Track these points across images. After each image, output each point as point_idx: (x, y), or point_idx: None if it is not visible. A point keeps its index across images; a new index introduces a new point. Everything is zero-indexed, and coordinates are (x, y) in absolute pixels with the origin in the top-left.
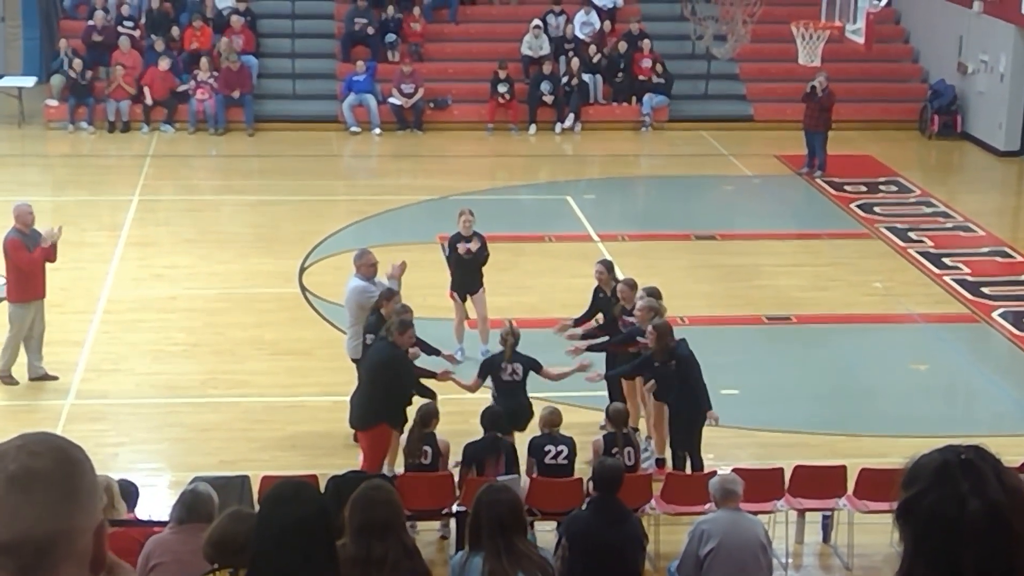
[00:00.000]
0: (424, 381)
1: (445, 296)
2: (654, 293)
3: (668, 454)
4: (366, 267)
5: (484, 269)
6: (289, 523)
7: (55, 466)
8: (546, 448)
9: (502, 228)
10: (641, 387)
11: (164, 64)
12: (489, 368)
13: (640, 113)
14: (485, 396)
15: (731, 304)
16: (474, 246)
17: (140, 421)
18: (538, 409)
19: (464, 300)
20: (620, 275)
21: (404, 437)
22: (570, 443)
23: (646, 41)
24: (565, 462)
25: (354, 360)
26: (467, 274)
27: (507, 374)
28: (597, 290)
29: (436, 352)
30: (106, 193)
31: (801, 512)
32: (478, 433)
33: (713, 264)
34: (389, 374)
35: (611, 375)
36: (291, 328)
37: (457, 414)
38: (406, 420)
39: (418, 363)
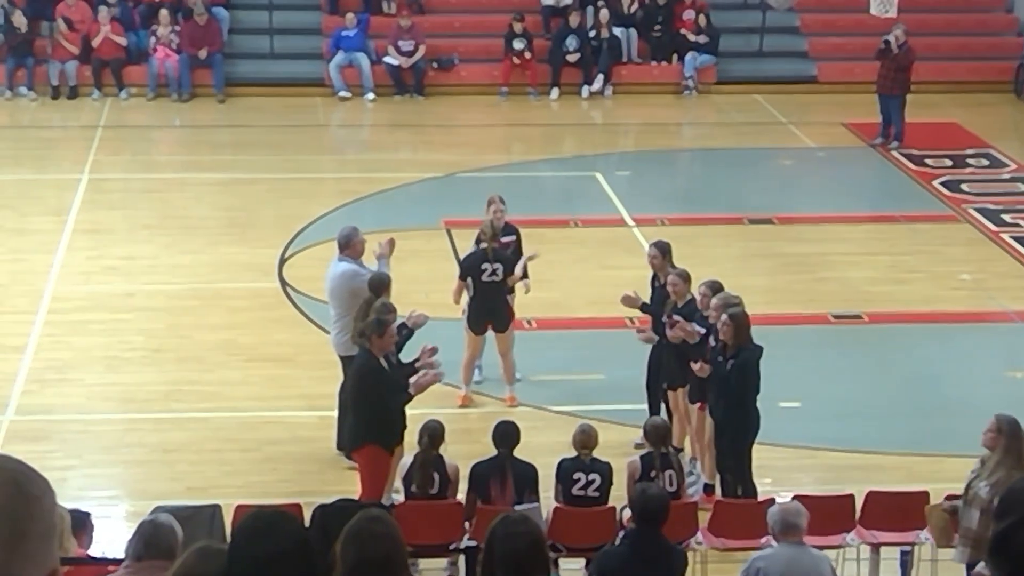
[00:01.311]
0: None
1: (451, 291)
2: (718, 288)
3: (718, 479)
4: (355, 246)
5: (509, 289)
6: (264, 561)
7: (5, 500)
8: (576, 476)
9: (519, 211)
10: (683, 398)
11: (108, 16)
12: (470, 268)
13: (682, 74)
14: (499, 411)
15: (791, 300)
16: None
17: (91, 440)
18: (567, 425)
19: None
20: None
21: (403, 462)
22: (605, 471)
23: None
24: (597, 494)
25: (343, 359)
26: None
27: (487, 275)
28: (654, 278)
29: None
30: (50, 171)
31: (875, 547)
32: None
33: (770, 253)
34: (367, 387)
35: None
36: (269, 330)
37: (463, 432)
38: (399, 440)
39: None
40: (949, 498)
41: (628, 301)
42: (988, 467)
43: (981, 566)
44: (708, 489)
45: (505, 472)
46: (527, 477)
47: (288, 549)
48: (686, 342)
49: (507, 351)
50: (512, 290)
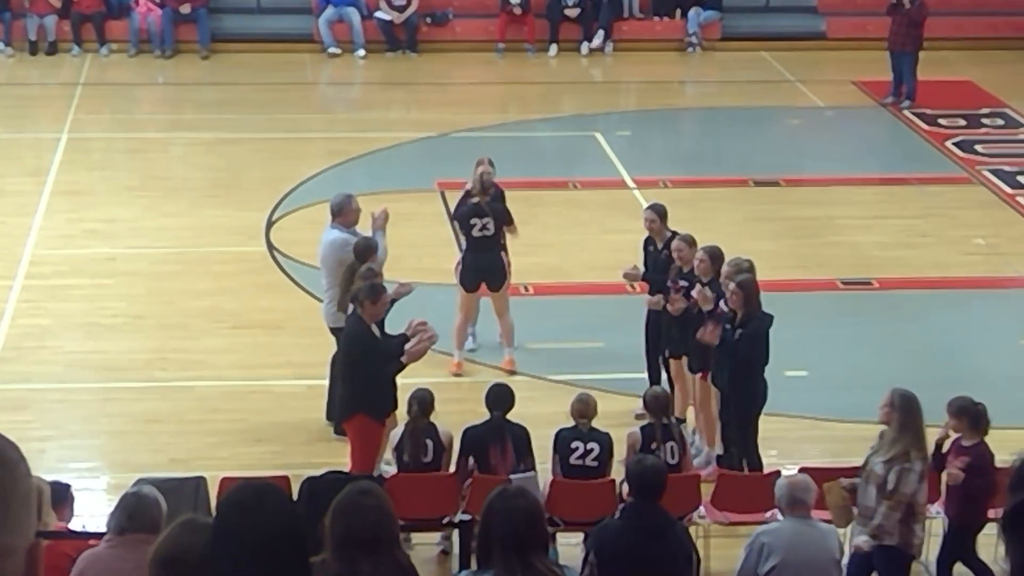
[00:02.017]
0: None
1: (445, 257)
2: (716, 253)
3: (720, 449)
4: (348, 214)
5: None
6: (251, 536)
7: None
8: (574, 445)
9: (516, 172)
10: (685, 366)
11: None
12: (461, 221)
13: (685, 30)
14: (494, 375)
15: (798, 265)
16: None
17: (71, 410)
18: (565, 395)
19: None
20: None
21: (394, 432)
22: (604, 440)
23: None
24: (595, 463)
25: (334, 330)
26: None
27: (478, 229)
28: (647, 242)
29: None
30: (28, 130)
31: None
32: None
33: (776, 216)
34: (357, 354)
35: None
36: (256, 296)
37: (457, 401)
38: (390, 410)
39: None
40: (848, 475)
41: (631, 277)
42: (884, 443)
43: (862, 539)
44: (720, 461)
45: (504, 436)
46: (523, 440)
47: (277, 523)
48: (689, 309)
49: (504, 311)
50: (505, 247)
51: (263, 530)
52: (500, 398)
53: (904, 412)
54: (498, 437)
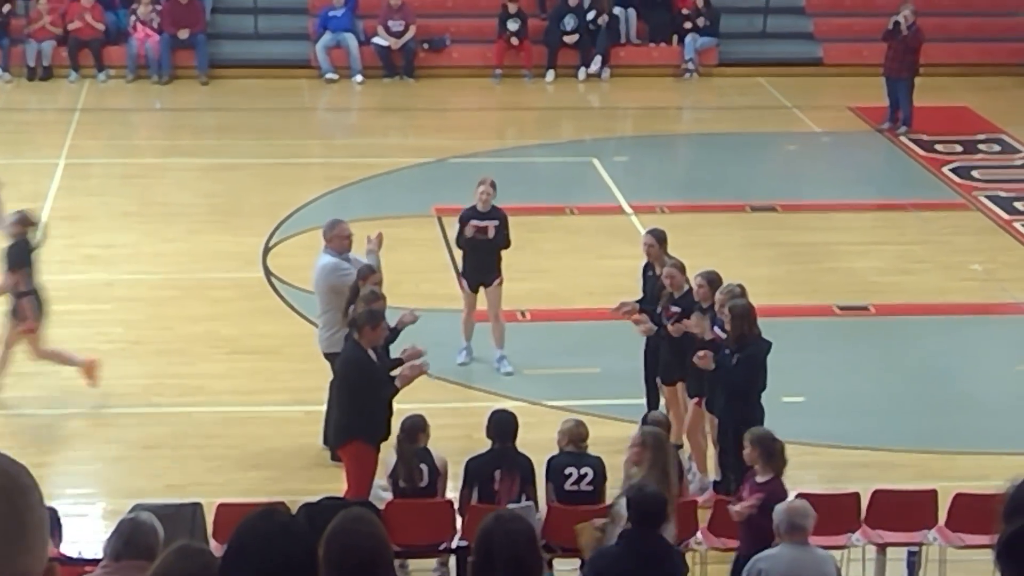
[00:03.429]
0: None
1: (442, 282)
2: (713, 278)
3: (716, 475)
4: (338, 239)
5: (503, 253)
6: (271, 567)
7: (2, 497)
8: (568, 470)
9: (514, 198)
10: (682, 392)
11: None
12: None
13: (682, 56)
14: (494, 402)
15: (795, 291)
16: (490, 226)
17: (68, 436)
18: (553, 420)
19: (475, 291)
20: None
21: (387, 458)
22: (597, 464)
23: None
24: (590, 488)
25: (329, 356)
26: (480, 259)
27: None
28: (647, 267)
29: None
30: (26, 155)
31: (882, 547)
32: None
33: (773, 242)
34: (354, 380)
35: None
36: (253, 322)
37: (458, 427)
38: (385, 435)
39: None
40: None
41: (624, 309)
42: (631, 483)
43: None
44: (718, 487)
45: (512, 467)
46: (529, 471)
47: (299, 556)
48: (685, 335)
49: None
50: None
51: (281, 558)
52: (502, 427)
53: (655, 451)
54: (505, 465)
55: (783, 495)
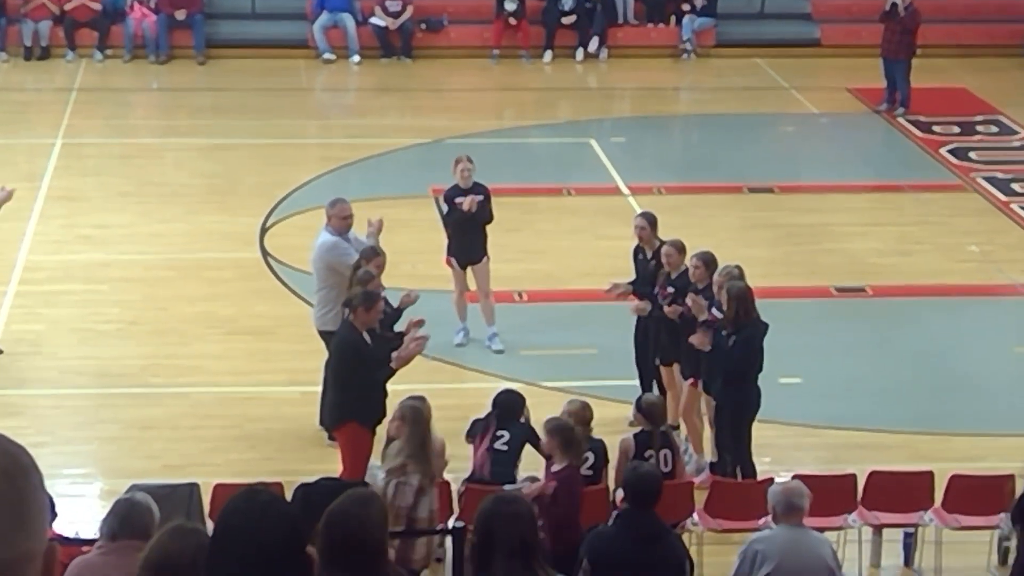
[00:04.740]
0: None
1: (439, 263)
2: (709, 259)
3: (712, 456)
4: (337, 219)
5: (488, 230)
6: (251, 542)
7: (3, 478)
8: None
9: (510, 179)
10: (678, 373)
11: None
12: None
13: (680, 36)
14: (491, 383)
15: (792, 272)
16: (474, 201)
17: (65, 416)
18: (559, 401)
19: (464, 268)
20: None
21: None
22: (599, 448)
23: None
24: (590, 472)
25: (323, 334)
26: (467, 236)
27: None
28: (637, 250)
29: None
30: (22, 135)
31: (878, 529)
32: None
33: (770, 223)
34: (349, 361)
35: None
36: (250, 302)
37: (455, 407)
38: (380, 417)
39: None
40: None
41: (617, 291)
42: (389, 456)
43: None
44: (715, 468)
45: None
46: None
47: (278, 530)
48: (681, 315)
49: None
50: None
51: (264, 536)
52: (508, 407)
53: (412, 424)
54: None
55: (576, 482)
